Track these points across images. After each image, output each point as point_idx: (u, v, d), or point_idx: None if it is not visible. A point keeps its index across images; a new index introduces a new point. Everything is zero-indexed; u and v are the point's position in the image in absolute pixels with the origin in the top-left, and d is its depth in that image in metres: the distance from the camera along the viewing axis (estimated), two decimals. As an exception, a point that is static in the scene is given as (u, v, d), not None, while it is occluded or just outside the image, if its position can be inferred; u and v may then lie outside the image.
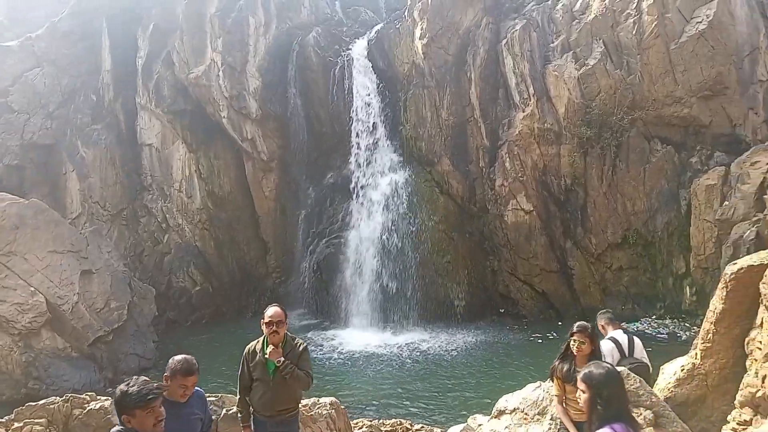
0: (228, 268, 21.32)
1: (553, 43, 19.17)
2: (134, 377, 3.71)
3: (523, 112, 18.91)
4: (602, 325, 7.40)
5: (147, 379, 3.69)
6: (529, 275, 18.91)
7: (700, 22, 17.36)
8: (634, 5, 18.01)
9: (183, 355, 4.76)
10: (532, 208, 18.77)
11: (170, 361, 4.69)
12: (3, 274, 14.61)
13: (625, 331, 7.32)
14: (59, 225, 16.15)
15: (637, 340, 7.10)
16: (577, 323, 5.85)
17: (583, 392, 3.62)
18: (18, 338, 14.14)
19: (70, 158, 19.61)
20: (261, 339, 5.67)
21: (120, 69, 21.09)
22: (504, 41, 19.45)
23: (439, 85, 19.83)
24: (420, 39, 19.91)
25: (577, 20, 19.05)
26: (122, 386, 3.59)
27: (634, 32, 17.86)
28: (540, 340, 16.75)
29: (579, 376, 3.69)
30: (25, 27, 21.20)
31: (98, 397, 8.30)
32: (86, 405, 7.96)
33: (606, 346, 6.74)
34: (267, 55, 21.27)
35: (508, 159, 18.87)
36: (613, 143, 18.10)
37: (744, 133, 17.37)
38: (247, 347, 5.75)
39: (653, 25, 17.59)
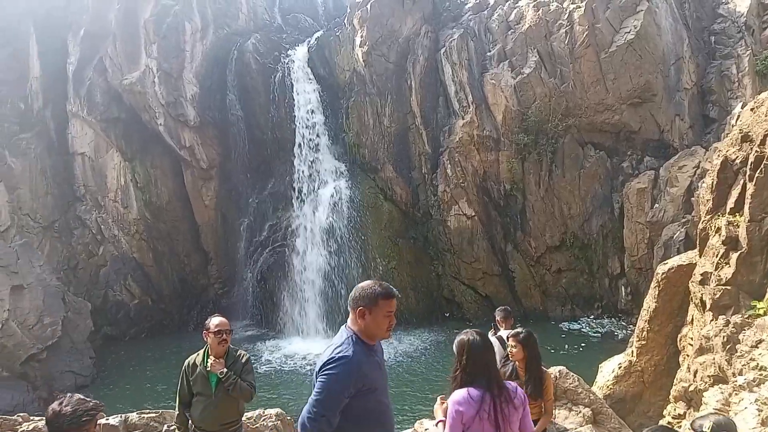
0: (168, 279, 20.73)
1: (489, 52, 19.65)
2: (68, 395, 3.36)
3: (463, 119, 19.29)
4: (498, 321, 7.59)
5: (82, 397, 3.40)
6: (472, 279, 19.25)
7: (629, 32, 18.19)
8: (566, 16, 18.69)
9: (372, 281, 3.68)
10: (473, 213, 19.14)
11: (366, 288, 3.55)
12: None
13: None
14: (-15, 239, 15.33)
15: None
16: (511, 330, 6.09)
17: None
18: (-60, 360, 13.34)
19: (-3, 169, 18.66)
20: (201, 352, 5.54)
21: (49, 76, 20.23)
22: (443, 50, 19.80)
23: (381, 93, 19.99)
24: (360, 47, 20.03)
25: (512, 30, 19.59)
26: (54, 405, 3.27)
27: (566, 42, 18.52)
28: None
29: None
30: (-57, 31, 20.06)
31: (31, 418, 7.91)
32: (18, 427, 7.58)
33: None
34: (204, 62, 20.89)
35: (449, 165, 19.20)
36: (549, 149, 18.69)
37: (671, 139, 18.29)
38: (187, 360, 5.60)
39: (584, 35, 18.30)
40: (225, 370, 5.33)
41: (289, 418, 7.83)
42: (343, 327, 3.57)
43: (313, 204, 19.75)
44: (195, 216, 21.15)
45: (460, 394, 3.67)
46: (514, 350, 5.61)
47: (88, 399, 3.41)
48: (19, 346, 14.43)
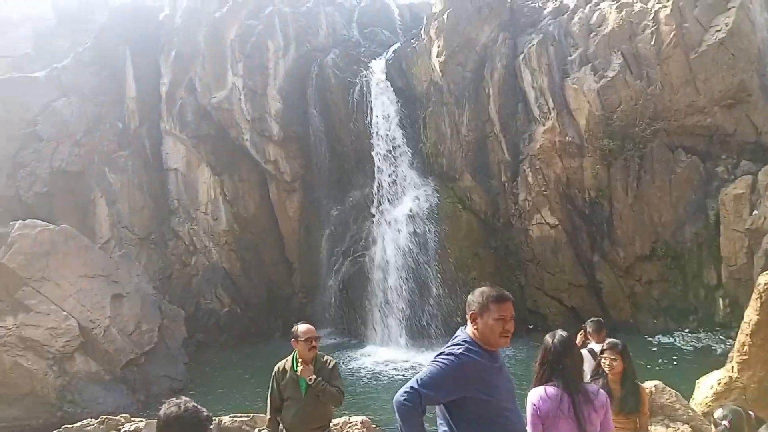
0: (255, 289, 21.48)
1: (570, 56, 19.19)
2: (183, 399, 3.35)
3: (544, 126, 18.91)
4: (589, 333, 7.28)
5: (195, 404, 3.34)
6: (557, 290, 18.74)
7: (719, 30, 17.27)
8: (651, 16, 17.99)
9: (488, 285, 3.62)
10: (557, 222, 18.67)
11: (478, 292, 3.52)
12: (36, 300, 14.90)
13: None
14: (89, 250, 16.46)
15: None
16: (607, 341, 5.81)
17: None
18: (52, 362, 14.37)
19: (98, 185, 20.01)
20: (290, 357, 5.70)
21: (144, 96, 21.55)
22: (521, 56, 19.52)
23: (458, 102, 19.93)
24: (437, 57, 20.08)
25: (594, 33, 19.06)
26: (184, 402, 3.25)
27: (652, 43, 17.81)
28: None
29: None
30: (51, 58, 21.76)
31: (132, 419, 8.42)
32: (121, 427, 8.09)
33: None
34: (287, 78, 21.61)
35: (530, 173, 18.84)
36: (636, 154, 17.97)
37: (770, 140, 17.16)
38: (277, 366, 5.78)
39: (671, 35, 17.54)
40: (314, 376, 5.47)
41: (374, 426, 7.92)
42: (460, 329, 3.57)
43: (392, 214, 19.93)
44: (280, 227, 21.84)
45: (536, 391, 3.73)
46: (614, 363, 5.39)
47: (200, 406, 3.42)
48: (119, 351, 15.33)
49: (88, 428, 7.85)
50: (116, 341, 15.28)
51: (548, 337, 3.91)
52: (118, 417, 8.24)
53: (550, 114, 18.80)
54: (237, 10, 21.61)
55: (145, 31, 22.22)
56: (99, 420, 8.03)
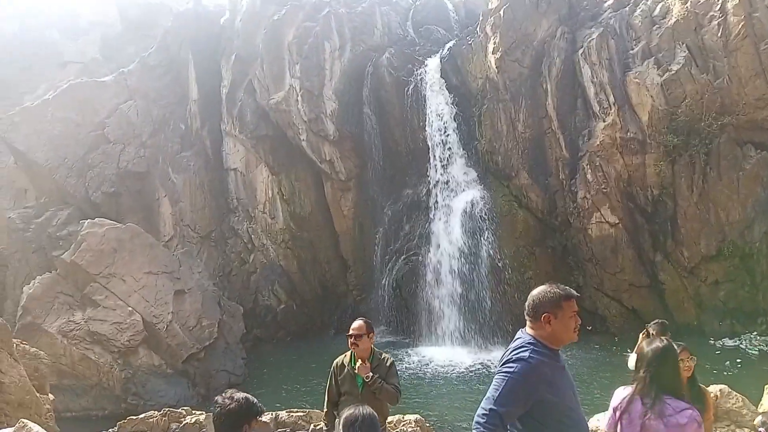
0: (310, 286, 21.82)
1: (632, 49, 18.58)
2: (236, 391, 3.62)
3: (604, 121, 18.39)
4: (652, 335, 7.01)
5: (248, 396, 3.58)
6: (617, 291, 18.20)
7: (793, 19, 16.35)
8: (718, 7, 17.21)
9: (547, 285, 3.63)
10: (617, 221, 18.12)
11: (546, 293, 3.54)
12: (103, 295, 15.60)
13: None
14: (154, 248, 17.11)
15: None
16: (677, 344, 5.63)
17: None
18: (117, 356, 15.02)
19: (162, 184, 20.75)
20: (349, 353, 5.74)
21: (205, 98, 22.21)
22: (581, 50, 19.03)
23: (514, 99, 19.62)
24: (493, 53, 19.82)
25: (657, 25, 18.40)
26: (239, 395, 3.50)
27: (719, 34, 17.04)
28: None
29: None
30: (118, 62, 22.72)
31: (193, 411, 8.68)
32: (182, 419, 8.35)
33: None
34: (342, 78, 21.82)
35: (589, 170, 18.36)
36: (702, 150, 17.24)
37: None
38: (335, 361, 5.82)
39: (740, 26, 16.73)
40: (371, 373, 5.48)
41: (428, 424, 7.90)
42: (520, 331, 3.54)
43: (446, 213, 19.82)
44: (335, 225, 22.10)
45: (620, 390, 3.90)
46: (690, 363, 5.28)
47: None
48: (181, 346, 15.87)
49: (151, 420, 8.15)
50: (178, 336, 15.82)
51: (645, 344, 3.96)
52: (179, 410, 8.52)
53: (611, 109, 18.27)
54: (295, 13, 21.99)
55: (207, 35, 22.91)
56: (161, 412, 8.32)
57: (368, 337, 5.60)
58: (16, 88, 23.08)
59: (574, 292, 3.54)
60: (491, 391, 3.35)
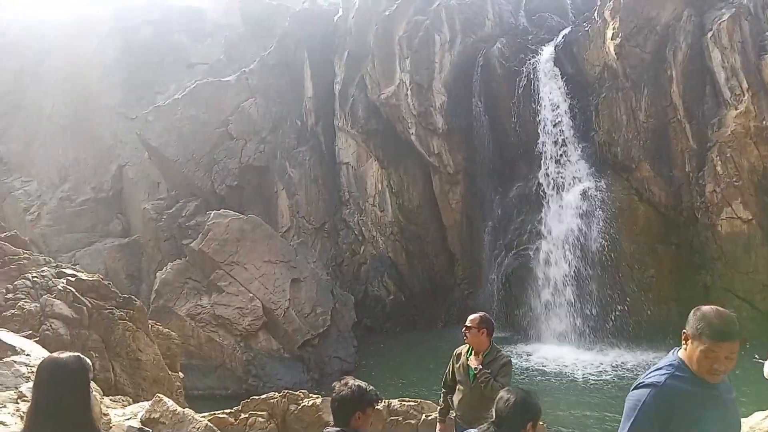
0: (418, 278, 22.02)
1: (770, 30, 17.02)
2: (351, 379, 3.75)
3: (736, 109, 17.00)
4: None
5: (361, 384, 3.71)
6: (749, 292, 16.80)
7: None
8: None
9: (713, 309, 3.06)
10: (750, 217, 16.71)
11: (697, 317, 3.07)
12: (227, 282, 16.66)
13: None
14: (272, 238, 18.03)
15: None
16: None
17: None
18: (240, 339, 16.00)
19: (280, 178, 21.78)
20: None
21: (320, 95, 23.01)
22: (709, 34, 17.69)
23: (635, 86, 18.60)
24: (612, 39, 18.88)
25: (802, 1, 16.72)
26: (353, 383, 3.65)
27: None
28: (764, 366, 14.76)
29: None
30: (240, 63, 24.05)
31: (310, 395, 9.05)
32: (300, 401, 8.72)
33: None
34: (452, 71, 21.73)
35: (719, 162, 17.05)
36: None
37: None
38: (456, 350, 5.92)
39: None
40: (480, 366, 5.49)
41: (541, 422, 7.76)
42: (675, 349, 3.11)
43: (559, 207, 19.19)
44: (442, 218, 22.12)
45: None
46: None
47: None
48: (296, 332, 16.62)
49: (272, 401, 8.57)
50: (294, 322, 16.58)
51: None
52: (297, 392, 8.89)
53: (744, 96, 16.84)
54: (406, 7, 22.17)
55: (321, 34, 23.71)
56: (281, 394, 8.72)
57: (479, 331, 5.59)
58: (151, 88, 25.10)
59: (730, 333, 2.92)
60: (623, 422, 2.95)
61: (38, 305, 9.79)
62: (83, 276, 10.98)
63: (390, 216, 22.09)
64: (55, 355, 3.15)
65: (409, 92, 21.42)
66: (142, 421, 6.89)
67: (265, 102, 22.62)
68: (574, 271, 18.20)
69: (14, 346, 7.84)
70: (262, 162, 21.76)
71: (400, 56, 21.76)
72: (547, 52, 20.72)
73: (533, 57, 20.89)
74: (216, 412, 7.92)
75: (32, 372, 6.68)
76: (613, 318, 17.32)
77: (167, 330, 12.67)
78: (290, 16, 24.51)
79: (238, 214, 18.30)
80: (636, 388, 2.97)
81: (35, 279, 10.38)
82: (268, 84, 23.00)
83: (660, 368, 2.97)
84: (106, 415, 6.99)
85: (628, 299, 17.47)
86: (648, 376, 2.98)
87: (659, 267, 17.71)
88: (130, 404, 8.24)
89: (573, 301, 17.98)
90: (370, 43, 22.27)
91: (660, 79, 18.51)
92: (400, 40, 21.79)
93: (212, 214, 17.89)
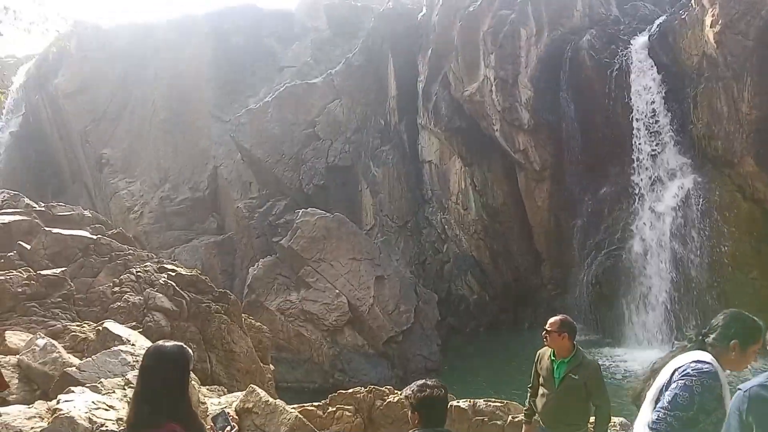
0: (503, 278, 21.70)
1: None
2: (434, 381, 3.65)
3: None
4: None
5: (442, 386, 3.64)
6: None
7: None
8: None
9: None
10: None
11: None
12: (314, 278, 17.13)
13: None
14: (357, 236, 18.36)
15: None
16: None
17: None
18: (326, 334, 16.42)
19: (364, 177, 22.13)
20: None
21: (403, 94, 23.16)
22: (825, 16, 16.29)
23: (738, 76, 17.42)
24: (711, 27, 17.77)
25: None
26: (426, 388, 3.55)
27: None
28: None
29: None
30: (327, 64, 24.64)
31: (395, 391, 9.14)
32: (386, 397, 8.83)
33: None
34: (538, 65, 21.19)
35: (835, 156, 15.71)
36: None
37: None
38: (540, 351, 5.79)
39: None
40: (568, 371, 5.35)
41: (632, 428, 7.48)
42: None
43: (654, 204, 18.31)
44: (528, 217, 21.66)
45: None
46: None
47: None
48: (381, 329, 16.85)
49: (359, 395, 8.73)
50: (378, 319, 16.81)
51: None
52: (383, 388, 9.00)
53: None
54: (490, 2, 21.83)
55: (405, 32, 23.85)
56: (367, 389, 8.86)
57: (560, 335, 5.42)
58: (243, 92, 26.17)
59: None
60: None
61: (142, 298, 10.49)
62: (182, 271, 11.65)
63: (473, 214, 21.90)
64: (160, 343, 3.41)
65: (493, 88, 21.11)
66: (236, 411, 7.23)
67: (350, 102, 23.05)
68: (669, 272, 17.33)
69: (121, 336, 8.45)
70: (347, 161, 22.20)
71: (485, 52, 21.48)
72: (641, 42, 19.79)
73: (625, 48, 20.02)
74: (305, 405, 8.15)
75: (137, 361, 7.17)
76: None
77: (259, 323, 13.18)
78: (375, 17, 24.81)
79: (324, 212, 18.76)
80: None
81: (139, 273, 11.12)
82: (353, 84, 23.43)
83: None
84: (203, 404, 7.39)
85: (728, 303, 16.43)
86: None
87: (763, 268, 16.53)
88: (225, 394, 8.67)
89: (667, 303, 17.13)
90: (453, 39, 22.14)
91: (764, 68, 17.22)
92: (485, 35, 21.51)
93: (300, 213, 18.46)
